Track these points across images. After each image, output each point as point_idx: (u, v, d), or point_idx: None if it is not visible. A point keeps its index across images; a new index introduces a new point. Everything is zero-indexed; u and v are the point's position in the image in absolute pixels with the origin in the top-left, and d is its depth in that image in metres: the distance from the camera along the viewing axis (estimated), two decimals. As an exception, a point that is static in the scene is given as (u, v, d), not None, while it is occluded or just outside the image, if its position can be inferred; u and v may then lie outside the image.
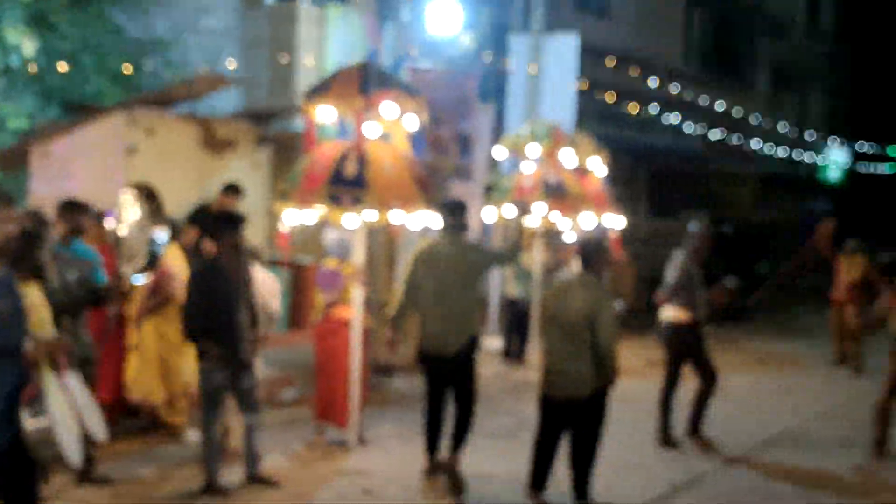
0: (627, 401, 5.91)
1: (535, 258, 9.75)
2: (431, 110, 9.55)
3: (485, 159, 10.62)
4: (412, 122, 6.83)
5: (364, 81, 6.37)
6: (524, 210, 6.76)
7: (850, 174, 27.66)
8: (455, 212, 6.16)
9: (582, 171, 10.50)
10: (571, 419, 5.60)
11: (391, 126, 6.78)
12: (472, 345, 6.02)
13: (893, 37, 27.32)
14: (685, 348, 7.14)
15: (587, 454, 5.61)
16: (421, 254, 6.11)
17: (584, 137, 10.77)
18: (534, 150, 9.52)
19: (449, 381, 6.03)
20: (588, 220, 9.78)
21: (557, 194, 9.11)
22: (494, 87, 13.51)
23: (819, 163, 26.33)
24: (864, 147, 26.36)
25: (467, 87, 9.89)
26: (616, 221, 10.46)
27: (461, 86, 9.83)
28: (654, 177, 20.50)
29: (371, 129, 6.60)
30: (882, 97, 27.74)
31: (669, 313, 7.12)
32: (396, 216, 6.40)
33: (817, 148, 26.28)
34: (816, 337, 12.79)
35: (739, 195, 23.36)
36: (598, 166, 10.73)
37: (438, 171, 9.73)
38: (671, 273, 7.11)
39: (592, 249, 5.72)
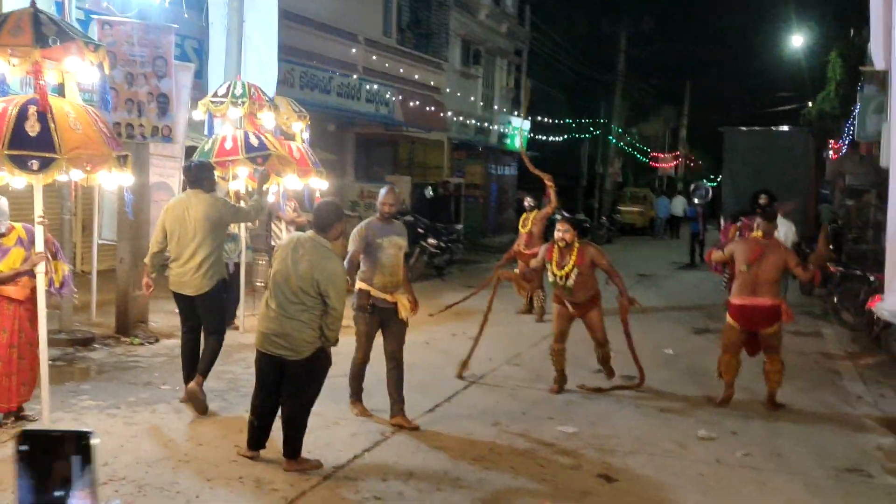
0: (336, 356, 6.05)
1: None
2: (126, 67, 9.01)
3: (185, 120, 10.16)
4: (94, 75, 6.29)
5: (37, 31, 5.65)
6: (265, 176, 7.35)
7: (532, 142, 30.34)
8: (203, 171, 7.08)
9: (284, 135, 10.49)
10: (287, 378, 5.61)
11: (64, 79, 6.14)
12: (220, 285, 6.93)
13: (560, 24, 31.45)
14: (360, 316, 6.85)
15: (301, 413, 5.67)
16: (171, 208, 6.90)
17: (285, 101, 10.73)
18: (233, 111, 9.31)
19: (201, 317, 6.89)
20: (293, 183, 9.77)
21: (259, 156, 8.98)
22: (196, 48, 13.00)
23: (504, 132, 28.46)
24: (540, 118, 29.18)
25: (164, 44, 9.28)
26: (320, 184, 10.57)
27: (157, 43, 9.20)
28: (359, 142, 20.97)
29: (47, 83, 5.90)
30: (551, 75, 31.10)
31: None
32: (88, 176, 5.90)
33: (502, 118, 28.41)
34: (510, 288, 13.86)
35: (438, 161, 24.69)
36: (301, 130, 10.77)
37: (135, 130, 9.21)
38: (350, 244, 6.84)
39: (326, 212, 5.72)
